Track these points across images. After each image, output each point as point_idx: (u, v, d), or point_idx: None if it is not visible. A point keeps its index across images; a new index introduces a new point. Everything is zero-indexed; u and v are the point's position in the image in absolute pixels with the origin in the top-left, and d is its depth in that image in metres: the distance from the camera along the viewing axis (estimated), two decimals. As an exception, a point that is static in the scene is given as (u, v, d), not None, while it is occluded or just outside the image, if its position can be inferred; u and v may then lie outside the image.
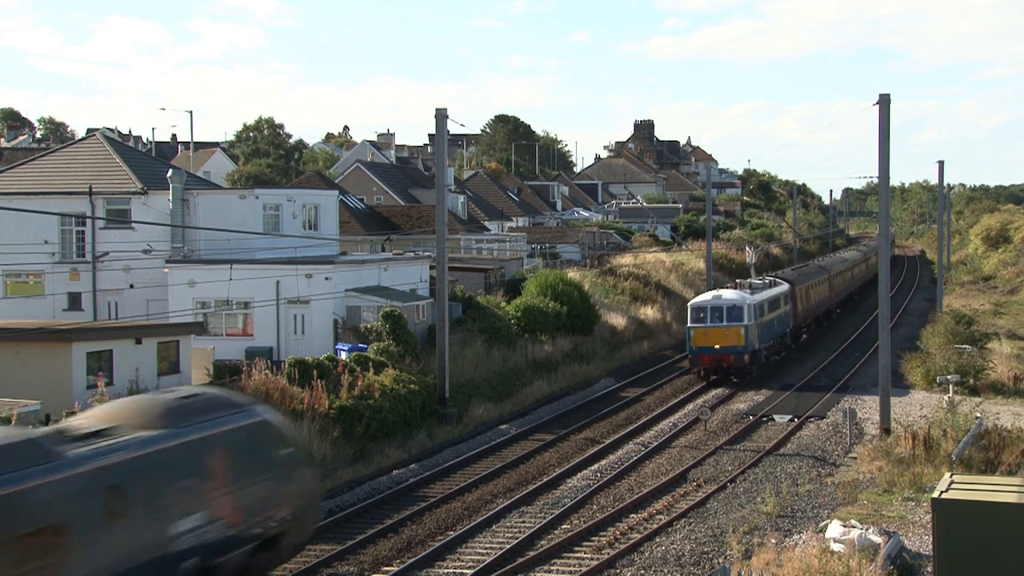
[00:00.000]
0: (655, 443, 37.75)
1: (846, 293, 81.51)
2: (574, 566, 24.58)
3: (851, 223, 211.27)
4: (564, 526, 27.86)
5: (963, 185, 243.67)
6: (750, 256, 66.91)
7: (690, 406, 45.38)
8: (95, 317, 51.24)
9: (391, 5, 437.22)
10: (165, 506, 18.95)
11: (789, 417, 41.96)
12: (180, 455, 19.51)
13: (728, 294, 50.55)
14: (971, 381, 45.85)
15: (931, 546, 21.30)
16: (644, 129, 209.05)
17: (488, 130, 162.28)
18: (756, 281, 56.08)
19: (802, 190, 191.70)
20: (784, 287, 57.65)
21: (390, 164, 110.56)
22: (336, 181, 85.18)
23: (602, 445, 37.42)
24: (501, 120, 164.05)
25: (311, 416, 34.36)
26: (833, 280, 73.70)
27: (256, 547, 21.31)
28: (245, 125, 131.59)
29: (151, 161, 64.13)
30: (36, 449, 17.35)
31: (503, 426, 41.19)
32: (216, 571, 20.19)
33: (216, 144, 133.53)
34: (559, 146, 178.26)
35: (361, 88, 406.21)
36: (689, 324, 49.66)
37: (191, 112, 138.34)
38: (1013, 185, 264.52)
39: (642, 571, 24.25)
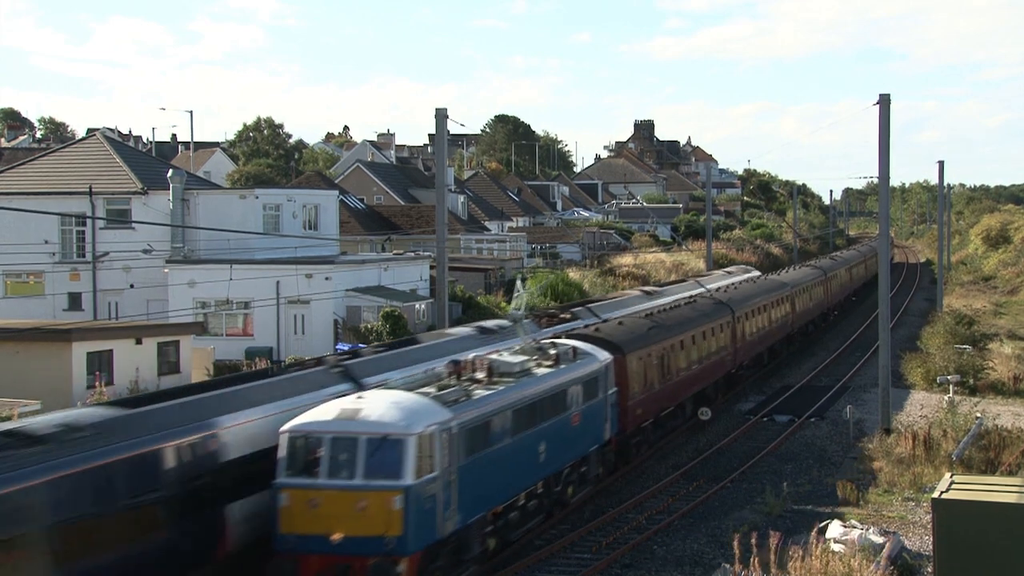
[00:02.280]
0: (654, 442, 37.69)
1: (771, 341, 52.96)
2: (574, 566, 24.56)
3: (851, 223, 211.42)
4: (563, 526, 27.84)
5: (963, 185, 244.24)
6: (518, 292, 30.41)
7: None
8: (95, 317, 51.27)
9: (393, 5, 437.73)
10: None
11: (789, 417, 41.94)
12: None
13: (377, 403, 21.24)
14: (971, 381, 45.84)
15: (931, 546, 21.33)
16: (644, 129, 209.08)
17: (488, 130, 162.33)
18: (508, 358, 26.21)
19: (802, 190, 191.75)
20: (597, 361, 29.86)
21: (390, 164, 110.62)
22: (336, 181, 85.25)
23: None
24: (501, 120, 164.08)
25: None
26: (743, 324, 46.60)
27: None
28: (245, 125, 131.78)
29: (151, 161, 64.20)
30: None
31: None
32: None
33: (216, 144, 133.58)
34: (559, 146, 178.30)
35: (363, 88, 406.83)
36: (279, 478, 20.65)
37: (191, 112, 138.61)
38: (1013, 185, 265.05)
39: (642, 571, 24.25)
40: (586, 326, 37.04)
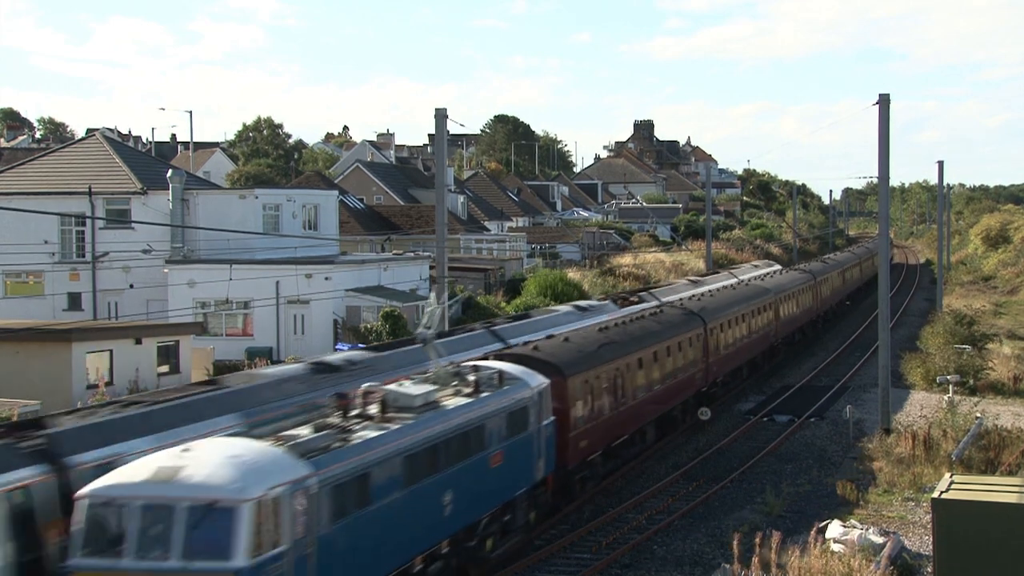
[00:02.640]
0: (655, 442, 37.70)
1: (751, 353, 48.84)
2: (574, 566, 24.56)
3: (851, 223, 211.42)
4: (563, 526, 27.84)
5: (963, 185, 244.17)
6: (430, 307, 24.48)
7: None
8: (95, 317, 51.29)
9: (393, 5, 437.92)
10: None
11: (789, 417, 41.94)
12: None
13: (206, 458, 16.20)
14: (971, 381, 45.85)
15: (931, 546, 21.34)
16: (644, 129, 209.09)
17: (488, 130, 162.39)
18: (409, 389, 21.50)
19: (802, 190, 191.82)
20: (528, 388, 25.20)
21: (390, 164, 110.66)
22: (336, 181, 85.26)
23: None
24: (500, 120, 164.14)
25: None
26: (717, 336, 42.44)
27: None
28: (245, 125, 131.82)
29: (151, 161, 64.23)
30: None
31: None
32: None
33: (216, 144, 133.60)
34: (559, 146, 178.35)
35: (362, 88, 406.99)
36: (72, 559, 15.62)
37: (191, 112, 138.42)
38: (1013, 185, 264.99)
39: (642, 571, 24.25)
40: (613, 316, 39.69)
